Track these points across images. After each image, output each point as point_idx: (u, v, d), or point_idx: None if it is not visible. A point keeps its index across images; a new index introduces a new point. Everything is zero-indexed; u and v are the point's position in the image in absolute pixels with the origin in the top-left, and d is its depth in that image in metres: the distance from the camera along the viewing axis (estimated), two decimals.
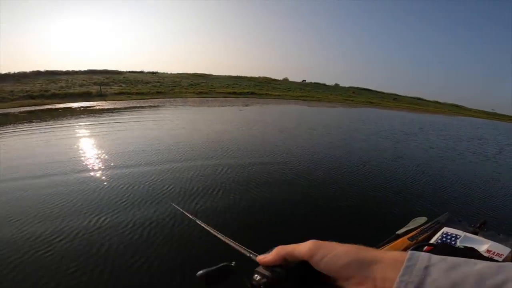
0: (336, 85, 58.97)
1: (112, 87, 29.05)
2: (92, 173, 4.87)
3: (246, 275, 0.38)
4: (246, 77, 48.25)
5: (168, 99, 23.07)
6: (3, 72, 32.81)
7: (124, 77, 35.77)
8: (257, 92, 31.81)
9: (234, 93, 29.38)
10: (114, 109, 16.80)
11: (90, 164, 5.45)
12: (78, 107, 18.08)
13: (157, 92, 27.05)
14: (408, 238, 1.56)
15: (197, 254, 2.69)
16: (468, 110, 52.45)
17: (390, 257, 0.28)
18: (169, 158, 5.80)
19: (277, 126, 11.10)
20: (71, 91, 27.08)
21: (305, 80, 55.87)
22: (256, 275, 0.36)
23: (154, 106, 18.04)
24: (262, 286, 0.35)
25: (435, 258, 0.26)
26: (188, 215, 0.85)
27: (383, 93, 58.59)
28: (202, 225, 0.67)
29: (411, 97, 59.49)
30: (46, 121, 12.16)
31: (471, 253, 1.04)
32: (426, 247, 1.18)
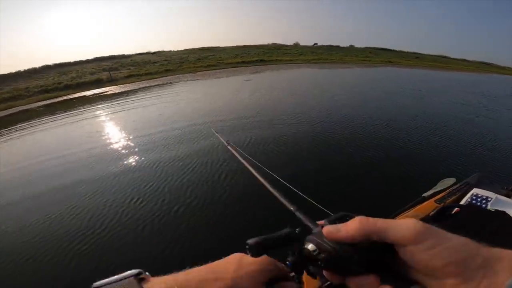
0: (351, 46, 55.11)
1: (121, 71, 28.92)
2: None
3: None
4: (255, 46, 46.14)
5: (177, 76, 22.61)
6: (12, 71, 33.35)
7: (131, 60, 35.42)
8: (266, 59, 30.42)
9: (243, 62, 28.28)
10: (125, 92, 16.66)
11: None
12: (92, 95, 18.18)
13: (166, 70, 26.62)
14: (435, 201, 1.48)
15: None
16: (501, 68, 45.81)
17: (509, 257, 0.23)
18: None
19: (286, 91, 10.35)
20: (82, 80, 27.31)
21: (316, 44, 52.70)
22: (310, 245, 0.28)
23: (164, 84, 17.71)
24: (320, 263, 0.27)
25: None
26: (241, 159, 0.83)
27: (403, 52, 54.09)
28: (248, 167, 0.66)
29: (435, 55, 54.42)
30: (67, 111, 12.33)
31: (502, 217, 0.98)
32: (454, 209, 1.11)
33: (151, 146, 4.99)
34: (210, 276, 0.28)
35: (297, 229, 0.30)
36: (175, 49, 44.58)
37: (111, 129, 6.97)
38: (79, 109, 12.33)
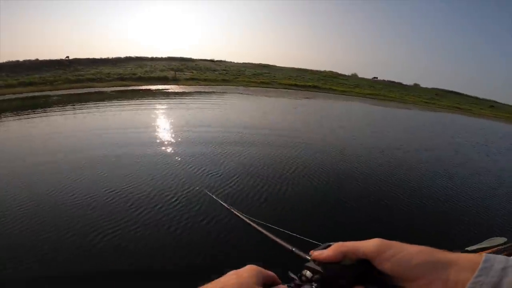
0: (416, 85, 51.57)
1: (185, 73, 31.92)
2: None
3: (292, 270, 0.36)
4: (311, 70, 46.52)
5: (231, 87, 24.05)
6: (104, 57, 39.23)
7: (196, 64, 38.87)
8: (320, 86, 30.37)
9: (296, 85, 28.70)
10: (183, 92, 18.39)
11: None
12: (155, 89, 20.48)
13: (223, 80, 28.53)
14: None
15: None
16: None
17: (465, 259, 0.27)
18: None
19: (329, 125, 10.26)
20: (153, 75, 30.92)
21: (376, 78, 50.64)
22: (306, 271, 0.35)
23: (217, 92, 19.05)
24: (313, 283, 0.33)
25: None
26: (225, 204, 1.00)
27: (476, 98, 48.55)
28: (242, 216, 0.68)
29: None
30: (132, 99, 14.23)
31: None
32: None
33: (179, 139, 6.28)
34: (218, 285, 0.32)
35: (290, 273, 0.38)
36: (235, 61, 47.58)
37: (156, 118, 8.56)
38: (141, 99, 14.20)
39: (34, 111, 9.95)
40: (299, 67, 48.27)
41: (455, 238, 3.09)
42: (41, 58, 34.30)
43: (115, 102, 12.69)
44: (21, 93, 18.28)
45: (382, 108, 20.08)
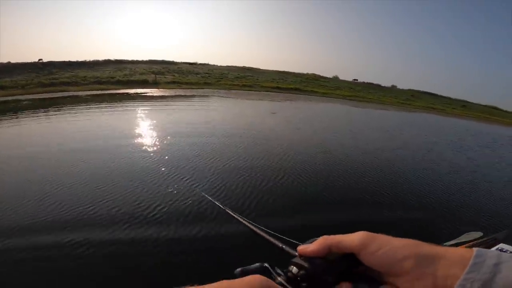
0: (393, 86, 53.65)
1: (166, 76, 31.39)
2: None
3: (279, 267, 0.36)
4: (293, 73, 47.24)
5: (213, 90, 23.93)
6: (81, 59, 37.87)
7: (178, 68, 38.38)
8: (302, 89, 30.87)
9: (278, 88, 29.01)
10: (162, 96, 18.09)
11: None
12: (134, 93, 19.98)
13: (205, 83, 28.32)
14: None
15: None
16: None
17: (454, 253, 0.26)
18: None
19: (296, 123, 10.48)
20: (132, 78, 30.16)
21: (356, 80, 52.26)
22: (292, 267, 0.34)
23: (196, 96, 18.88)
24: (299, 279, 0.32)
25: (506, 255, 0.24)
26: (218, 204, 0.92)
27: (449, 98, 51.20)
28: (233, 214, 0.69)
29: (485, 106, 50.69)
30: (104, 103, 13.78)
31: None
32: None
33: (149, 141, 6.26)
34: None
35: (265, 264, 0.37)
36: (219, 64, 47.46)
37: (128, 120, 8.53)
38: (116, 103, 13.78)
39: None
40: (283, 70, 48.99)
41: (433, 235, 3.20)
42: (13, 61, 32.61)
43: (84, 106, 12.26)
44: None
45: (360, 109, 20.72)
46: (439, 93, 54.40)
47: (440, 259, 0.26)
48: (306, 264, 0.32)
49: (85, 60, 38.06)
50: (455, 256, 0.26)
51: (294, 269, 0.33)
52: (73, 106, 12.64)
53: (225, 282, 0.30)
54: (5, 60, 31.85)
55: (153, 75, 30.13)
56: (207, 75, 33.38)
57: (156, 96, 17.93)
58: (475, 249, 0.26)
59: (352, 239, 0.31)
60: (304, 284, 0.32)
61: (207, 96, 19.15)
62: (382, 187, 4.58)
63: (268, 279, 0.32)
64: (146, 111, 10.81)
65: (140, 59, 44.67)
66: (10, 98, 17.35)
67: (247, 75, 36.83)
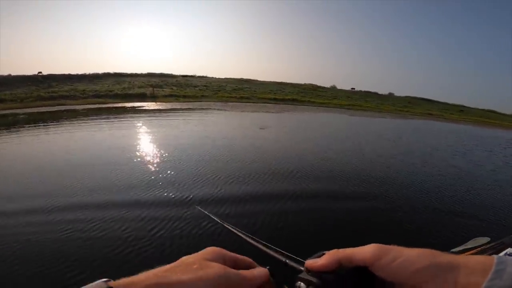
0: (390, 94, 54.08)
1: (164, 89, 31.69)
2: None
3: (287, 282, 0.35)
4: (291, 84, 47.72)
5: (209, 103, 24.03)
6: (81, 73, 38.36)
7: (176, 81, 38.80)
8: (299, 99, 31.05)
9: (275, 99, 29.17)
10: (157, 110, 18.13)
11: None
12: (130, 107, 20.08)
13: (202, 96, 28.53)
14: None
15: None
16: None
17: (474, 261, 0.26)
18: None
19: (289, 135, 10.39)
20: (130, 92, 30.44)
21: (354, 88, 52.73)
22: (299, 283, 0.32)
23: (191, 109, 18.92)
24: None
25: None
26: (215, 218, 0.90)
27: (447, 104, 51.44)
28: (231, 228, 0.68)
29: (482, 109, 50.84)
30: (100, 116, 13.80)
31: None
32: None
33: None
34: (174, 265, 0.29)
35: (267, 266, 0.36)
36: (217, 76, 48.05)
37: (120, 134, 8.56)
38: (111, 116, 13.81)
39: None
40: (281, 80, 49.49)
41: (438, 242, 3.19)
42: (13, 73, 33.06)
43: (80, 120, 12.26)
44: None
45: (357, 118, 20.69)
46: (436, 99, 54.80)
47: (460, 268, 0.25)
48: (315, 280, 0.31)
49: (85, 73, 38.58)
50: (476, 264, 0.25)
51: (302, 285, 0.31)
52: (67, 121, 12.67)
53: (184, 257, 0.31)
54: (5, 73, 32.20)
55: (151, 88, 30.41)
56: (204, 87, 33.69)
57: (150, 110, 17.96)
58: (495, 256, 0.25)
59: (365, 251, 0.30)
60: None
61: (202, 109, 19.19)
62: (388, 192, 4.64)
63: (222, 248, 0.34)
64: (136, 126, 10.80)
65: (139, 72, 45.31)
66: (8, 111, 17.45)
67: (244, 87, 37.14)
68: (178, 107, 19.93)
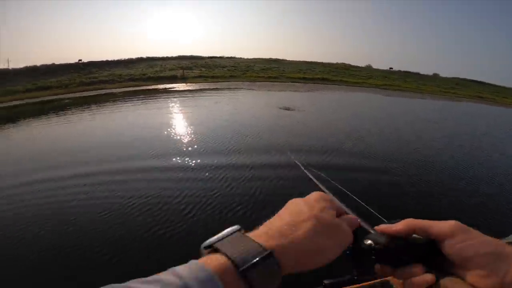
0: (435, 75, 48.81)
1: (194, 71, 32.17)
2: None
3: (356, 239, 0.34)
4: (322, 63, 45.33)
5: (237, 82, 23.93)
6: (116, 58, 40.39)
7: (205, 62, 39.09)
8: (330, 78, 29.51)
9: (304, 78, 28.05)
10: (187, 90, 18.55)
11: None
12: (162, 88, 20.82)
13: (230, 76, 28.47)
14: None
15: None
16: None
17: None
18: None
19: (315, 115, 9.88)
20: (162, 74, 31.44)
21: (392, 68, 48.50)
22: (368, 240, 0.33)
23: (222, 88, 19.02)
24: (373, 252, 0.32)
25: None
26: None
27: (503, 87, 45.16)
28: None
29: None
30: (136, 97, 14.58)
31: None
32: None
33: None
34: (296, 219, 0.30)
35: (355, 276, 0.37)
36: (245, 57, 47.31)
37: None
38: (145, 97, 14.55)
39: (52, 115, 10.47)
40: (311, 60, 47.28)
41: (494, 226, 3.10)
42: (57, 62, 35.90)
43: (116, 102, 13.04)
44: (38, 97, 19.25)
45: (394, 98, 19.17)
46: (489, 81, 48.36)
47: None
48: (383, 240, 0.32)
49: (120, 59, 40.50)
50: None
51: (369, 242, 0.32)
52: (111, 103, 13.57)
53: (298, 202, 0.33)
54: (49, 62, 35.13)
55: (181, 70, 31.07)
56: (233, 68, 33.49)
57: (180, 90, 18.47)
58: None
59: (444, 226, 0.30)
60: (373, 257, 0.32)
61: (229, 89, 19.20)
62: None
63: (327, 194, 0.36)
64: (165, 105, 11.19)
65: (170, 55, 46.33)
66: (55, 97, 19.14)
67: (272, 66, 36.18)
68: (207, 87, 20.17)
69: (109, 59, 40.01)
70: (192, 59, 44.11)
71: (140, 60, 42.42)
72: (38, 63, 33.46)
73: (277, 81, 25.64)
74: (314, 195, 0.34)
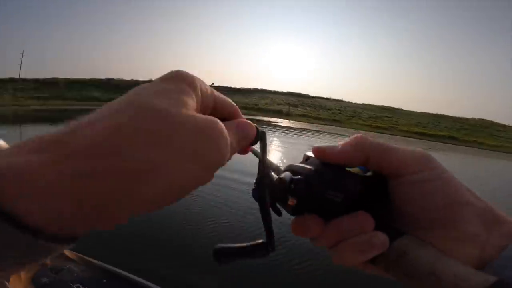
0: None
1: (299, 108, 33.64)
2: None
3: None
4: (451, 117, 37.93)
5: (339, 128, 23.12)
6: (238, 86, 47.84)
7: (311, 101, 40.28)
8: (460, 138, 24.07)
9: (423, 134, 24.02)
10: (287, 127, 19.36)
11: None
12: (267, 121, 22.66)
13: (334, 120, 27.95)
14: None
15: None
16: None
17: None
18: None
19: None
20: (270, 107, 34.54)
21: None
22: (286, 172, 0.21)
23: (321, 132, 18.78)
24: (292, 187, 0.19)
25: None
26: None
27: None
28: None
29: None
30: None
31: None
32: None
33: None
34: (103, 111, 0.14)
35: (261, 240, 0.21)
36: (354, 101, 45.68)
37: None
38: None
39: None
40: (436, 112, 40.53)
41: None
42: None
43: None
44: None
45: None
46: None
47: (506, 224, 0.18)
48: (312, 167, 0.20)
49: (241, 88, 47.55)
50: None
51: (286, 174, 0.20)
52: None
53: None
54: None
55: (287, 107, 33.14)
56: (338, 111, 32.90)
57: (282, 126, 19.46)
58: None
59: (407, 154, 0.20)
60: (294, 200, 0.19)
61: (329, 133, 18.69)
62: None
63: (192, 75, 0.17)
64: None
65: (280, 90, 50.76)
66: None
67: (384, 115, 33.13)
68: (308, 127, 20.42)
69: (232, 86, 47.83)
70: (300, 96, 46.48)
71: (255, 90, 48.44)
72: None
73: (387, 133, 23.06)
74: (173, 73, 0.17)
